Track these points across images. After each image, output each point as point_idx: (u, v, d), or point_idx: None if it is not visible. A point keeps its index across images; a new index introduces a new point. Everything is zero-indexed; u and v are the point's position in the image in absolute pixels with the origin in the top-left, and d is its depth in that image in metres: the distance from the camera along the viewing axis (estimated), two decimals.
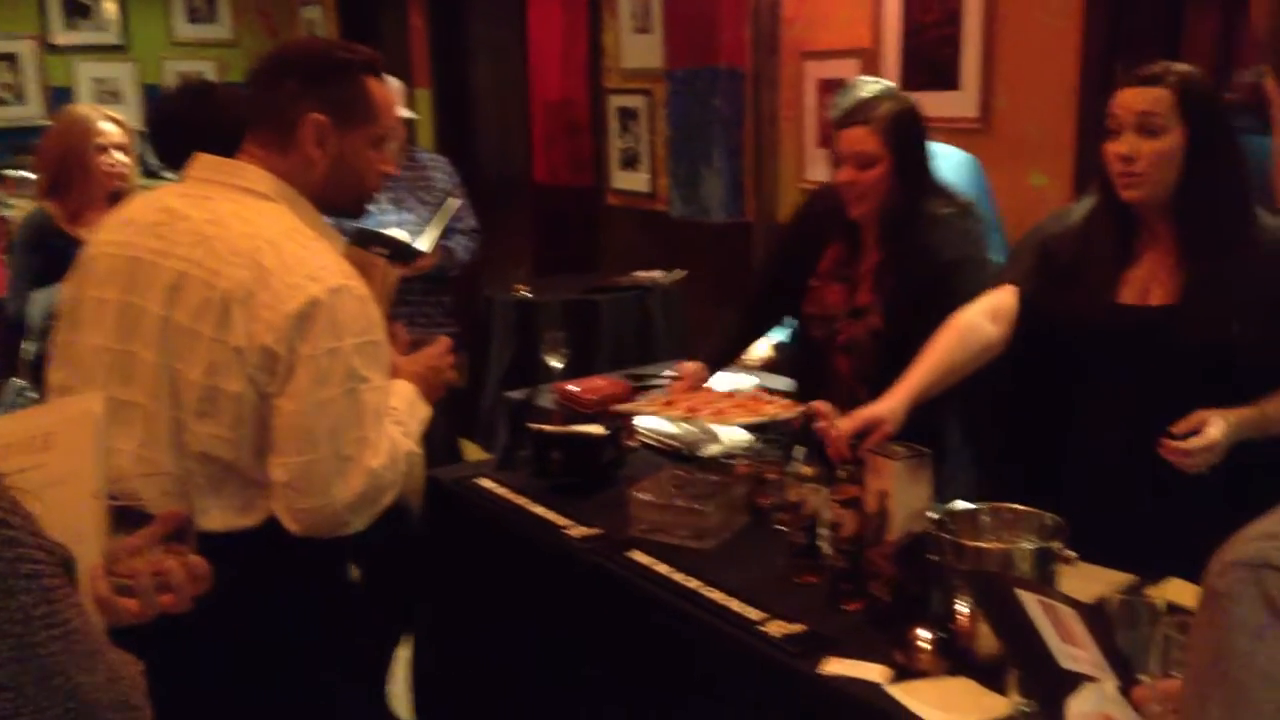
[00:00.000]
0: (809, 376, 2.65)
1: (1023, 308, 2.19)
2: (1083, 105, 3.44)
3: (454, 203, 4.09)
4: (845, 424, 2.01)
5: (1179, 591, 1.77)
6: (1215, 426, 1.87)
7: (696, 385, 2.64)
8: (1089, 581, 1.74)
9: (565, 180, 6.02)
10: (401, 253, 3.72)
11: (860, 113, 2.41)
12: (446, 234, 4.27)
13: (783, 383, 3.00)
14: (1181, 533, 1.97)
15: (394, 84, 3.73)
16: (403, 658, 2.73)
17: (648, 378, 3.24)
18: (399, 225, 3.95)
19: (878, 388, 2.43)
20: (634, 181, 5.38)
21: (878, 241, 2.47)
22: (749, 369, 3.27)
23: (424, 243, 3.90)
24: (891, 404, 2.03)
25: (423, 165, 4.24)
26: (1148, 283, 2.04)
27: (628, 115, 5.36)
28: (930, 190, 2.46)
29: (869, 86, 3.18)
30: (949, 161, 3.16)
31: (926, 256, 2.38)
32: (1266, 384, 1.94)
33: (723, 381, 2.97)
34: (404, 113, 4.19)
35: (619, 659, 2.09)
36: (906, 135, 2.40)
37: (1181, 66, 1.99)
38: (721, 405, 2.48)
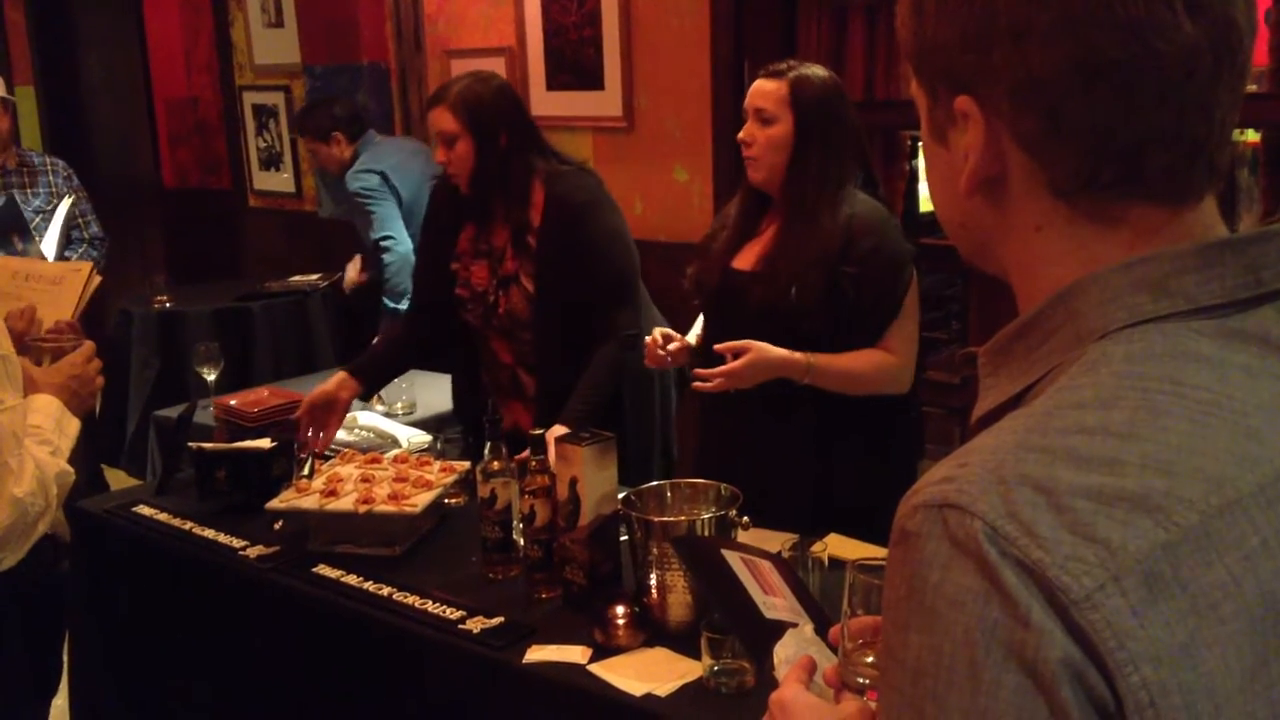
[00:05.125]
0: (466, 373, 2.66)
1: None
2: (716, 104, 3.68)
3: (69, 200, 3.80)
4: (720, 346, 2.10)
5: (837, 546, 1.95)
6: (746, 355, 2.08)
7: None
8: (762, 543, 1.87)
9: (198, 182, 5.67)
10: None
11: (439, 93, 2.49)
12: (70, 243, 3.93)
13: (408, 430, 2.92)
14: (831, 492, 2.20)
15: None
16: (60, 706, 2.48)
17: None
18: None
19: (538, 369, 2.50)
20: (277, 182, 5.15)
21: (505, 214, 2.51)
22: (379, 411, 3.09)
23: (49, 247, 3.58)
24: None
25: (37, 169, 3.89)
26: (760, 253, 2.25)
27: (265, 113, 5.13)
28: (544, 153, 2.52)
29: None
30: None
31: (558, 204, 2.46)
32: (829, 346, 2.16)
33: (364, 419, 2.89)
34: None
35: (319, 679, 2.02)
36: (480, 108, 2.43)
37: (807, 66, 2.21)
38: (381, 480, 2.20)
